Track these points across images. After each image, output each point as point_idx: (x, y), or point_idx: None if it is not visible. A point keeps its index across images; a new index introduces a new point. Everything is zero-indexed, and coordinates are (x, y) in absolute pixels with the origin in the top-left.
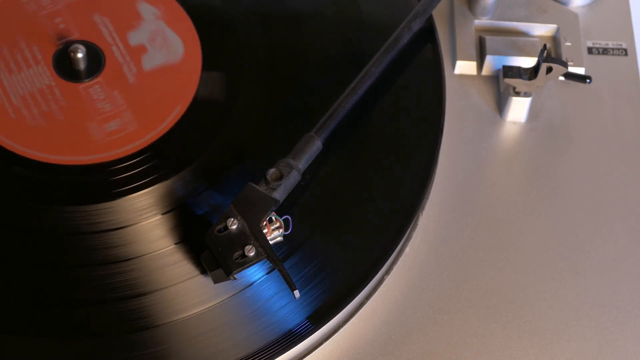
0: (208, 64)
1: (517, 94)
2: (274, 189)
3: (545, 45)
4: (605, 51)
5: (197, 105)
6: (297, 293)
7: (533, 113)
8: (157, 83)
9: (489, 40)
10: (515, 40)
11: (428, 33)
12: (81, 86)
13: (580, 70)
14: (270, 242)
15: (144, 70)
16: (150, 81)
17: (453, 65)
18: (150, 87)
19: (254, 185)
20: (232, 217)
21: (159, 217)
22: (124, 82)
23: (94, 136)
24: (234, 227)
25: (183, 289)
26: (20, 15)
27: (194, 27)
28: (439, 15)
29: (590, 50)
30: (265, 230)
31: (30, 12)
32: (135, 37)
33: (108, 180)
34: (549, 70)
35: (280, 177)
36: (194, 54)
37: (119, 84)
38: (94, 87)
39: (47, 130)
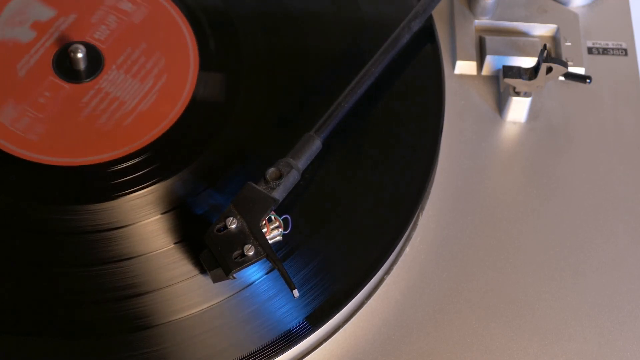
0: (207, 64)
1: (517, 94)
2: (273, 189)
3: (545, 45)
4: (605, 51)
5: (196, 105)
6: (296, 292)
7: (533, 113)
8: (161, 72)
9: (489, 40)
10: (515, 40)
11: (428, 33)
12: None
13: (580, 70)
14: (270, 242)
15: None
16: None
17: (453, 65)
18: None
19: (254, 184)
20: (231, 216)
21: (158, 217)
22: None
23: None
24: (234, 226)
25: (182, 289)
26: None
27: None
28: (439, 15)
29: (590, 50)
30: (264, 230)
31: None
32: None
33: (108, 180)
34: (549, 70)
35: (279, 177)
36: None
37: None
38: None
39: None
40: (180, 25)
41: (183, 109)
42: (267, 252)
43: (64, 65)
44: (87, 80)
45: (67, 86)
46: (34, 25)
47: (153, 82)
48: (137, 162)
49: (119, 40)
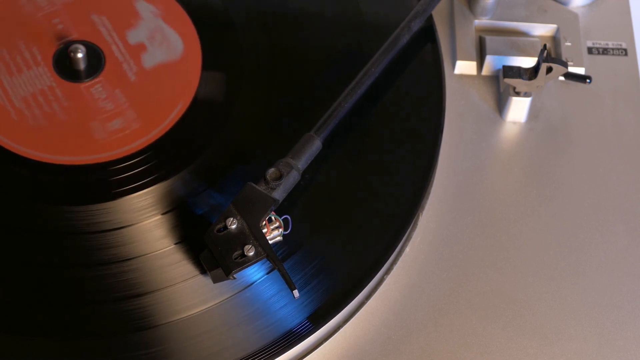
0: (208, 64)
1: (517, 94)
2: (273, 189)
3: (545, 45)
4: (605, 51)
5: (197, 104)
6: (296, 293)
7: (533, 113)
8: (158, 81)
9: (489, 40)
10: (515, 40)
11: (428, 33)
12: (82, 86)
13: (580, 70)
14: (270, 242)
15: (145, 68)
16: (151, 79)
17: (453, 65)
18: (151, 85)
19: (254, 185)
20: (231, 216)
21: (159, 217)
22: (125, 80)
23: (96, 135)
24: (234, 226)
25: (183, 289)
26: (18, 16)
27: (193, 25)
28: (439, 15)
29: (590, 50)
30: (264, 230)
31: (27, 14)
32: (134, 36)
33: (108, 180)
34: (549, 70)
35: (279, 177)
36: (193, 51)
37: (120, 83)
38: (95, 87)
39: (48, 131)
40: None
41: (184, 109)
42: (267, 252)
43: (63, 64)
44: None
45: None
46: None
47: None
48: (137, 162)
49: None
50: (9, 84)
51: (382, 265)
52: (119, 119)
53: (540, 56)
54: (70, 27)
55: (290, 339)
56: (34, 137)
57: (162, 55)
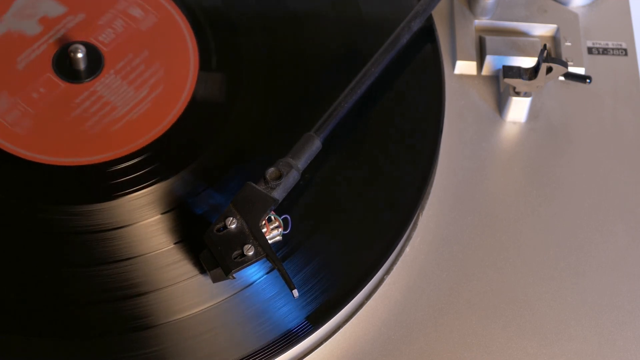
0: (207, 64)
1: (517, 94)
2: (273, 189)
3: (545, 45)
4: (605, 51)
5: (196, 105)
6: (295, 292)
7: (533, 113)
8: (160, 70)
9: (489, 40)
10: (515, 40)
11: (428, 33)
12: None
13: (580, 70)
14: (270, 242)
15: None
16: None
17: (453, 65)
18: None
19: (253, 184)
20: (231, 216)
21: (158, 216)
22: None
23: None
24: (233, 226)
25: (182, 289)
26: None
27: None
28: (439, 15)
29: (590, 50)
30: (264, 230)
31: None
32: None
33: (108, 180)
34: (549, 70)
35: (279, 177)
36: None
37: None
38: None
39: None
40: (180, 25)
41: (183, 109)
42: (267, 252)
43: (63, 64)
44: (84, 81)
45: (62, 85)
46: (41, 20)
47: (148, 92)
48: (137, 162)
49: (123, 45)
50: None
51: (382, 265)
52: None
53: (540, 56)
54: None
55: (290, 339)
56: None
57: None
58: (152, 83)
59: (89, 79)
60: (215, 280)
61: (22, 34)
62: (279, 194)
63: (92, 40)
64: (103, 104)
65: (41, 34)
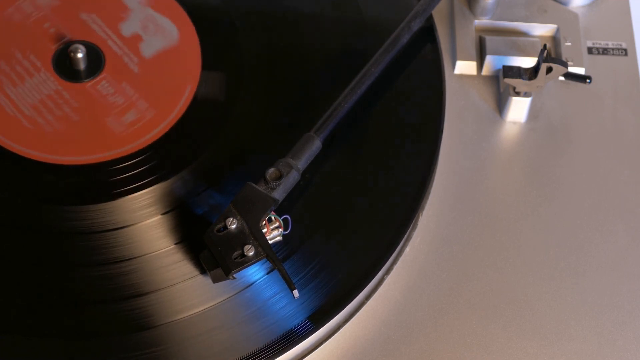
0: (208, 64)
1: (517, 94)
2: (273, 189)
3: (545, 45)
4: (605, 51)
5: (197, 105)
6: (296, 293)
7: (533, 113)
8: (161, 68)
9: (489, 40)
10: (515, 40)
11: (428, 33)
12: (88, 84)
13: (580, 70)
14: (270, 242)
15: (145, 58)
16: (155, 67)
17: (453, 65)
18: (155, 73)
19: (254, 184)
20: (231, 216)
21: (158, 217)
22: (128, 73)
23: (94, 135)
24: (233, 226)
25: (183, 289)
26: (9, 27)
27: (191, 25)
28: (439, 15)
29: (590, 50)
30: (264, 230)
31: (17, 22)
32: (127, 28)
33: (108, 180)
34: (549, 70)
35: (279, 177)
36: (189, 34)
37: (125, 76)
38: (101, 84)
39: (49, 132)
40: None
41: (184, 109)
42: (267, 252)
43: (64, 67)
44: (91, 78)
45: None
46: None
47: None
48: (138, 161)
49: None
50: (15, 95)
51: (382, 265)
52: (132, 111)
53: (540, 56)
54: (62, 29)
55: (290, 339)
56: (34, 138)
57: (159, 42)
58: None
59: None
60: (215, 280)
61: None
62: (279, 194)
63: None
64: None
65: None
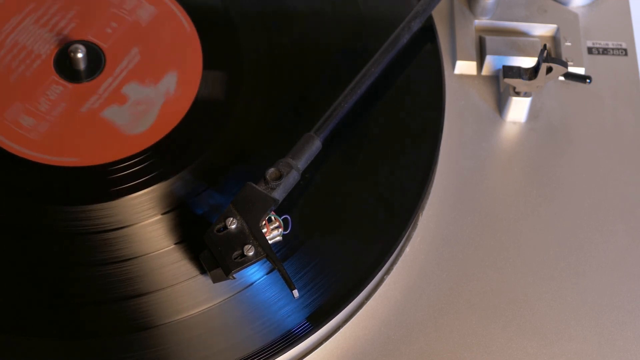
0: (208, 64)
1: (517, 94)
2: (273, 189)
3: (545, 45)
4: (605, 51)
5: (197, 105)
6: (296, 293)
7: (533, 113)
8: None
9: (489, 40)
10: (515, 40)
11: (428, 33)
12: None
13: (580, 70)
14: (270, 242)
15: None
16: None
17: (453, 65)
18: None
19: (254, 184)
20: (231, 216)
21: (158, 217)
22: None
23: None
24: (233, 226)
25: (183, 289)
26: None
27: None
28: (439, 15)
29: (590, 50)
30: (264, 230)
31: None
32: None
33: (108, 180)
34: (549, 70)
35: (279, 177)
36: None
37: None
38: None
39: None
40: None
41: (186, 109)
42: (267, 252)
43: (64, 66)
44: (88, 79)
45: (69, 86)
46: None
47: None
48: (138, 162)
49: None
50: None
51: (382, 265)
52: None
53: (540, 56)
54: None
55: (290, 339)
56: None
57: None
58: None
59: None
60: (215, 280)
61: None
62: (279, 194)
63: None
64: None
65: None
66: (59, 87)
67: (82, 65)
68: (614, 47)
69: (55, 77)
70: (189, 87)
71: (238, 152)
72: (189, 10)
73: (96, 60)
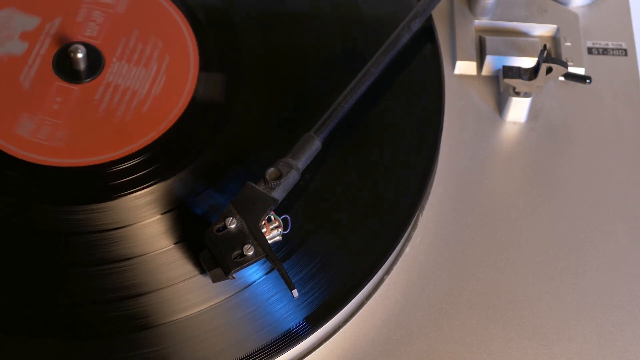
0: (207, 64)
1: (517, 94)
2: (273, 189)
3: (545, 46)
4: (605, 51)
5: (196, 105)
6: (295, 292)
7: (533, 113)
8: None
9: (489, 40)
10: (515, 40)
11: (428, 33)
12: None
13: (580, 70)
14: (269, 242)
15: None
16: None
17: (453, 66)
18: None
19: (253, 184)
20: (231, 216)
21: (158, 217)
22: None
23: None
24: (233, 226)
25: (182, 289)
26: None
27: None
28: (439, 15)
29: (590, 50)
30: (264, 230)
31: None
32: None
33: (108, 181)
34: (549, 70)
35: (279, 177)
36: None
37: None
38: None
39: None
40: (180, 25)
41: (183, 109)
42: (267, 252)
43: (65, 68)
44: (91, 78)
45: (75, 87)
46: (22, 36)
47: (158, 65)
48: (137, 162)
49: (111, 32)
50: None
51: (382, 265)
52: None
53: (540, 56)
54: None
55: (289, 339)
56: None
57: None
58: (157, 56)
59: (93, 76)
60: (215, 280)
61: (11, 56)
62: (278, 194)
63: (81, 38)
64: (123, 92)
65: (29, 49)
66: (67, 90)
67: (82, 65)
68: (614, 47)
69: (60, 81)
70: (188, 87)
71: (238, 152)
72: (188, 10)
73: (96, 60)
